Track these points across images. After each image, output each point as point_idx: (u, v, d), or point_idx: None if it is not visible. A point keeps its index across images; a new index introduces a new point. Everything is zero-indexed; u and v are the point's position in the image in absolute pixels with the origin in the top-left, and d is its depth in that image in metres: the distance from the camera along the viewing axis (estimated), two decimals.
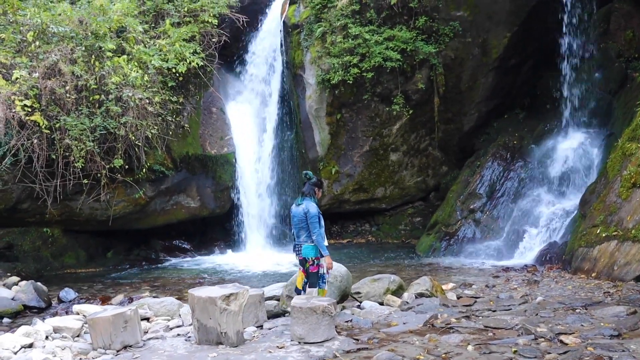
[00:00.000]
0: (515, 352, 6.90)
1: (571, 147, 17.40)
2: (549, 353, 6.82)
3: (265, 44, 19.70)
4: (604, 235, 12.49)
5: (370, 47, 17.56)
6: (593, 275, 11.99)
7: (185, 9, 17.16)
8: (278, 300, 9.37)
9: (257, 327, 8.42)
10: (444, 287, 11.22)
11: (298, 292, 8.67)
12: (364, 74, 17.57)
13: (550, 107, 18.87)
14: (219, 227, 19.04)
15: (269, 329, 8.29)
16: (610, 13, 17.61)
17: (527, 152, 17.99)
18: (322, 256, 8.52)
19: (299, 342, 7.43)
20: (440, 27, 18.04)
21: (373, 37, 17.67)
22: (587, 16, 18.19)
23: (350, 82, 17.72)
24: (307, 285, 8.63)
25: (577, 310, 8.95)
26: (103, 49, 14.32)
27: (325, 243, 8.63)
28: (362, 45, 17.62)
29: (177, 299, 10.35)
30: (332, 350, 7.17)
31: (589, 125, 17.83)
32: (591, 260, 12.38)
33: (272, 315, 9.04)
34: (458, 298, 10.33)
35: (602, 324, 8.04)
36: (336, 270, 9.07)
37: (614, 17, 17.51)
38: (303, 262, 8.67)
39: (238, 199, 18.56)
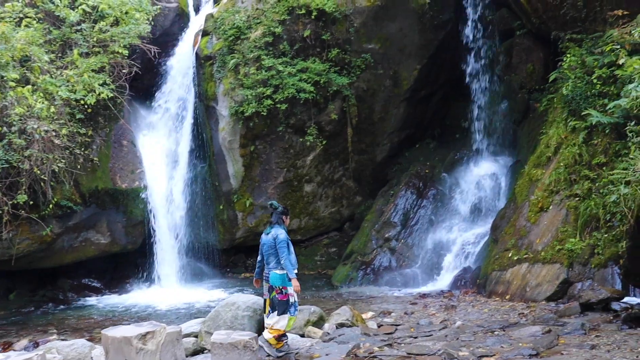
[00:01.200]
0: None
1: (480, 175, 17.92)
2: None
3: (178, 75, 19.40)
4: (515, 258, 12.87)
5: (283, 79, 17.60)
6: (507, 297, 12.29)
7: (94, 39, 16.68)
8: (196, 337, 9.05)
9: None
10: (363, 316, 11.19)
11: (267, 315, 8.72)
12: (278, 106, 17.55)
13: (459, 136, 19.43)
14: (131, 264, 18.35)
15: None
16: (512, 47, 18.37)
17: (439, 181, 18.39)
18: (289, 280, 8.63)
19: None
20: (353, 59, 18.32)
21: (286, 69, 17.73)
22: (491, 50, 18.94)
23: (264, 113, 17.64)
24: (275, 313, 8.60)
25: (496, 332, 9.12)
26: (5, 78, 13.69)
27: (295, 270, 8.77)
28: (276, 77, 17.63)
29: (89, 340, 9.82)
30: None
31: (496, 153, 18.44)
32: (504, 283, 12.70)
33: (191, 353, 8.72)
34: (379, 326, 10.32)
35: (520, 344, 8.20)
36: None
37: (516, 51, 18.26)
38: (270, 289, 8.74)
39: (151, 234, 18.01)
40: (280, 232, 8.86)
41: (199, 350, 8.77)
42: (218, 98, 18.50)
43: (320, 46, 18.34)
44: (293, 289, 8.69)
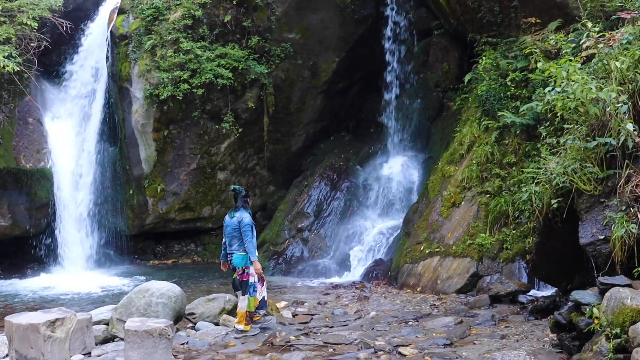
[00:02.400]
0: None
1: (394, 169, 18.18)
2: None
3: (91, 53, 18.69)
4: (427, 251, 13.17)
5: (201, 64, 17.26)
6: (418, 289, 12.57)
7: (0, 8, 15.77)
8: (107, 324, 8.73)
9: (84, 354, 7.74)
10: (277, 305, 11.16)
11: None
12: (194, 91, 17.18)
13: (374, 130, 19.65)
14: (34, 248, 17.58)
15: (98, 356, 7.68)
16: (429, 46, 18.75)
17: (353, 173, 18.55)
18: (251, 263, 8.96)
19: None
20: (272, 47, 18.19)
21: (205, 54, 17.39)
22: (409, 48, 19.26)
23: (180, 98, 17.23)
24: (239, 293, 9.00)
25: (410, 323, 9.30)
26: None
27: (257, 253, 9.12)
28: (194, 61, 17.26)
29: None
30: None
31: (409, 149, 18.76)
32: (416, 276, 12.97)
33: (102, 341, 8.41)
34: (294, 316, 10.31)
35: (434, 334, 8.41)
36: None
37: (433, 50, 18.65)
38: (233, 270, 9.07)
39: (56, 217, 17.30)
40: (245, 216, 9.05)
41: (110, 338, 8.47)
42: (132, 79, 17.91)
43: (240, 33, 18.10)
44: (255, 271, 8.99)
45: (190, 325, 9.44)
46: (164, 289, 8.61)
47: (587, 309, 6.28)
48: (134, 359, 6.90)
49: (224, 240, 9.38)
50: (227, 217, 9.28)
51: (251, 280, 9.00)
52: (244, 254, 8.99)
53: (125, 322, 7.56)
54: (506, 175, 12.88)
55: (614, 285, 6.19)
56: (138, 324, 7.05)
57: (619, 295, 5.90)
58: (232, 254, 9.09)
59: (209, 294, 10.98)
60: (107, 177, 18.76)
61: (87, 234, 18.05)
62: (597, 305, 6.21)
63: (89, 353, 7.81)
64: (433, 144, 17.96)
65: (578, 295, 6.58)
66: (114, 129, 18.96)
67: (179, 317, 8.95)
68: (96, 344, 8.26)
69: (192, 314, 9.51)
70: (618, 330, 5.71)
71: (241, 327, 8.89)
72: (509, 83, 13.21)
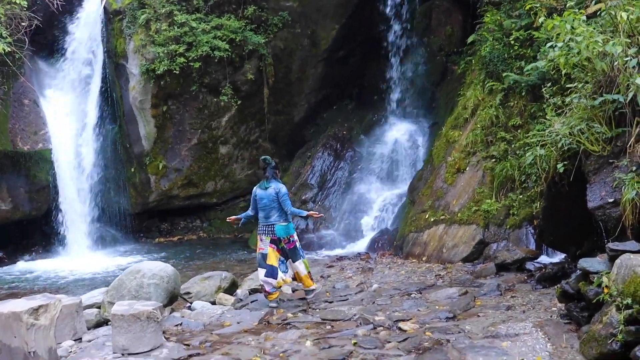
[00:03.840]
0: (355, 344, 6.65)
1: (398, 137, 17.83)
2: (389, 342, 6.66)
3: (84, 30, 18.18)
4: (432, 219, 12.79)
5: (197, 36, 16.86)
6: (424, 259, 12.22)
7: None
8: (99, 308, 8.46)
9: (75, 340, 7.47)
10: None
11: (273, 269, 8.98)
12: (191, 64, 16.82)
13: (377, 98, 19.29)
14: (37, 231, 17.37)
15: (89, 341, 7.39)
16: (432, 9, 18.24)
17: (357, 142, 18.20)
18: (294, 231, 9.24)
19: (122, 354, 6.62)
20: (270, 17, 17.77)
21: (200, 26, 16.98)
22: (411, 12, 18.72)
23: (177, 72, 16.87)
24: (289, 262, 9.14)
25: (413, 295, 8.96)
26: None
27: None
28: (189, 34, 16.87)
29: None
30: (160, 359, 6.51)
31: (414, 115, 18.39)
32: (421, 245, 12.62)
33: (94, 325, 8.14)
34: (293, 291, 10.00)
35: (437, 307, 8.05)
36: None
37: (435, 14, 18.15)
38: (277, 241, 9.06)
39: (57, 199, 17.05)
40: (281, 187, 9.12)
41: (102, 322, 8.18)
42: (128, 55, 17.57)
43: (236, 2, 17.67)
44: (315, 216, 9.54)
45: (186, 305, 9.17)
46: (156, 269, 8.29)
47: (596, 278, 5.89)
48: (122, 344, 6.61)
49: (249, 213, 9.36)
50: (257, 190, 9.19)
51: (298, 245, 9.22)
52: (285, 224, 9.08)
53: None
54: (512, 138, 12.44)
55: (624, 251, 5.76)
56: (125, 307, 6.75)
57: (630, 263, 5.49)
58: (272, 226, 9.05)
59: (214, 270, 10.76)
60: (108, 156, 18.50)
61: (89, 214, 17.82)
62: (607, 273, 5.80)
63: (80, 339, 7.54)
64: (438, 110, 17.59)
65: (586, 263, 6.17)
66: (112, 107, 18.66)
67: (174, 297, 8.65)
68: (89, 329, 8.00)
69: (188, 293, 9.24)
70: (629, 300, 5.30)
71: (312, 286, 9.23)
72: (512, 42, 12.69)
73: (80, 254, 16.75)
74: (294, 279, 9.32)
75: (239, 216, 9.65)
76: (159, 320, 6.77)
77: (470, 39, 15.20)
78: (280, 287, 9.26)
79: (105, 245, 17.64)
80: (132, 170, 18.31)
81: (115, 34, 17.73)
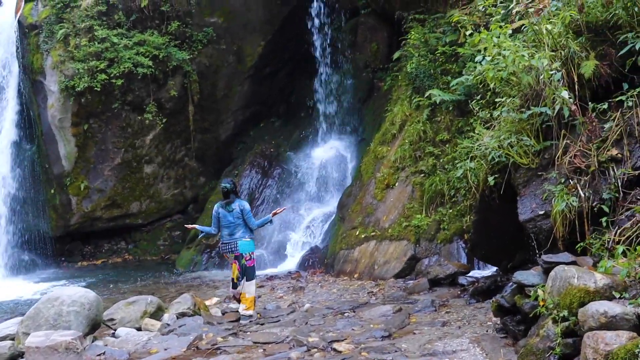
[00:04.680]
0: None
1: (326, 153, 17.74)
2: None
3: None
4: (363, 236, 12.69)
5: (119, 52, 16.39)
6: (356, 276, 12.07)
7: None
8: (13, 340, 7.85)
9: None
10: (207, 302, 10.49)
11: (234, 284, 9.37)
12: (113, 81, 16.35)
13: (305, 114, 19.20)
14: None
15: None
16: (357, 26, 18.31)
17: (285, 160, 18.02)
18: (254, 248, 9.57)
19: None
20: (194, 33, 17.49)
21: (122, 41, 16.51)
22: (336, 28, 18.75)
23: (98, 89, 16.34)
24: (245, 279, 9.26)
25: (346, 314, 8.76)
26: None
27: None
28: (110, 50, 16.39)
29: None
30: None
31: (342, 131, 18.36)
32: (352, 262, 12.49)
33: (8, 359, 7.57)
34: (223, 314, 9.65)
35: (372, 325, 7.86)
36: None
37: (361, 30, 18.22)
38: (239, 257, 9.27)
39: None
40: (245, 204, 9.47)
41: (17, 355, 7.56)
42: (46, 72, 16.91)
43: (159, 18, 17.27)
44: (279, 212, 10.05)
45: (110, 332, 8.68)
46: (76, 295, 7.78)
47: (532, 291, 5.83)
48: None
49: (212, 231, 9.63)
50: (220, 210, 9.39)
51: (254, 264, 9.48)
52: (249, 240, 9.37)
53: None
54: (440, 153, 12.50)
55: (558, 263, 5.73)
56: (41, 338, 6.29)
57: (564, 275, 5.45)
58: (235, 242, 9.28)
59: (140, 295, 10.30)
60: (26, 177, 17.75)
61: (4, 238, 16.94)
62: (542, 286, 5.77)
63: None
64: (365, 126, 17.61)
65: (521, 276, 6.11)
66: (30, 126, 17.84)
67: (96, 325, 8.14)
68: None
69: (112, 319, 8.72)
70: (566, 312, 5.25)
71: (250, 312, 9.21)
72: (438, 57, 12.81)
73: None
74: (237, 300, 9.52)
75: (199, 227, 10.04)
76: (79, 351, 6.34)
77: (395, 55, 15.31)
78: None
79: (22, 271, 16.85)
80: (52, 191, 17.54)
81: (32, 49, 17.05)
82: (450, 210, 11.54)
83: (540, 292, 5.70)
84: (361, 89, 18.34)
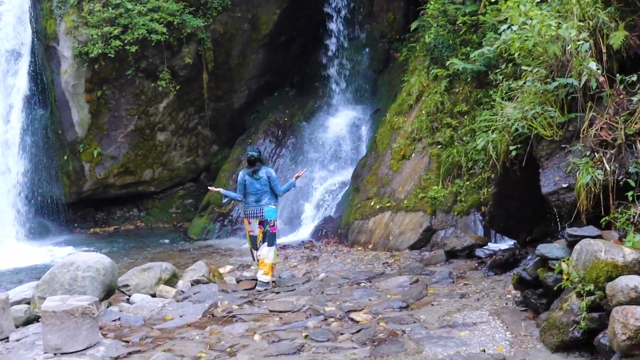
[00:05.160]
0: (306, 336, 6.32)
1: (340, 124, 17.58)
2: (342, 334, 6.35)
3: (11, 9, 17.27)
4: (378, 207, 12.59)
5: (133, 18, 16.18)
6: (370, 247, 12.01)
7: None
8: (29, 304, 7.85)
9: (1, 340, 6.89)
10: (221, 270, 10.45)
11: (257, 248, 9.44)
12: (127, 48, 16.14)
13: (319, 84, 19.02)
14: None
15: (17, 340, 6.79)
16: None
17: (298, 129, 17.89)
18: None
19: (55, 354, 6.10)
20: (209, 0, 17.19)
21: (136, 7, 16.29)
22: None
23: (112, 55, 16.15)
24: (266, 244, 9.33)
25: (362, 284, 8.69)
26: None
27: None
28: (124, 16, 16.18)
29: None
30: (97, 358, 6.03)
31: (356, 102, 18.20)
32: (367, 233, 12.41)
33: (23, 323, 7.51)
34: (238, 282, 9.62)
35: (389, 296, 7.79)
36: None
37: (377, 0, 17.93)
38: (264, 223, 9.37)
39: None
40: (271, 171, 9.62)
41: (33, 319, 7.56)
42: (59, 37, 16.69)
43: None
44: (301, 175, 10.08)
45: (125, 298, 8.67)
46: (91, 261, 7.73)
47: (556, 264, 5.72)
48: (54, 343, 6.08)
49: (237, 197, 9.63)
50: (247, 178, 9.42)
51: (276, 232, 9.64)
52: (274, 207, 9.51)
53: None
54: (457, 124, 12.33)
55: (583, 236, 5.61)
56: (58, 303, 6.24)
57: (590, 248, 5.33)
58: (261, 208, 9.35)
59: (153, 261, 10.28)
60: (39, 143, 17.68)
61: (18, 204, 16.98)
62: (566, 259, 5.65)
63: (7, 338, 6.93)
64: (380, 97, 17.43)
65: (544, 249, 5.99)
66: (43, 92, 17.75)
67: (111, 291, 8.12)
68: (17, 326, 7.40)
69: (127, 285, 8.70)
70: (592, 286, 5.14)
71: (267, 278, 9.22)
72: (458, 27, 12.55)
73: (8, 245, 15.90)
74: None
75: (225, 192, 10.08)
76: (95, 316, 6.29)
77: (413, 26, 15.07)
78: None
79: (36, 236, 16.86)
80: (65, 158, 17.50)
81: (45, 14, 16.85)
82: (468, 182, 11.42)
83: (564, 265, 5.59)
84: (376, 60, 18.13)
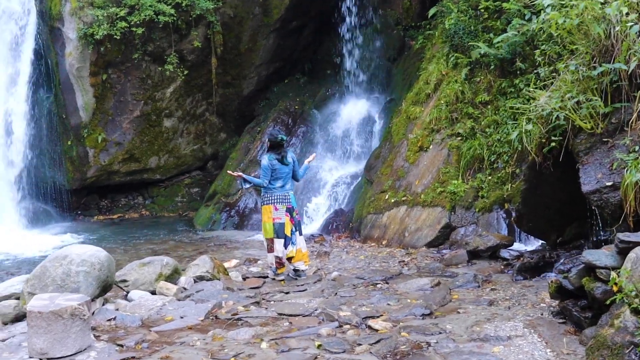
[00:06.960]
0: (319, 346, 5.68)
1: (353, 113, 16.96)
2: (359, 344, 5.69)
3: None
4: (392, 200, 11.95)
5: None
6: (384, 242, 11.38)
7: None
8: (18, 299, 7.26)
9: None
10: (226, 265, 9.86)
11: (287, 240, 8.86)
12: (134, 29, 15.60)
13: (331, 72, 18.46)
14: None
15: (3, 340, 6.19)
16: None
17: (309, 118, 17.30)
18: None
19: (40, 359, 5.54)
20: None
21: None
22: None
23: (118, 37, 15.60)
24: (298, 234, 8.98)
25: (379, 286, 8.04)
26: None
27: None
28: None
29: None
30: None
31: (369, 91, 17.60)
32: (381, 227, 11.78)
33: (11, 320, 6.92)
34: (244, 279, 9.00)
35: (409, 300, 7.11)
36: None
37: None
38: (291, 210, 8.96)
39: None
40: (294, 155, 9.29)
41: (22, 316, 6.93)
42: (64, 18, 16.14)
43: None
44: (311, 160, 9.56)
45: (122, 294, 8.07)
46: (86, 254, 7.11)
47: (606, 274, 5.06)
48: (40, 347, 5.46)
49: (261, 183, 8.91)
50: (277, 164, 8.84)
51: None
52: (294, 194, 9.18)
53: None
54: (479, 115, 11.66)
55: (638, 243, 4.96)
56: (45, 302, 5.64)
57: None
58: (288, 194, 8.96)
59: (155, 254, 9.72)
60: (42, 127, 17.22)
61: (20, 189, 16.52)
62: (617, 268, 5.00)
63: None
64: (395, 86, 16.81)
65: (591, 255, 5.30)
66: (47, 74, 17.22)
67: (108, 287, 7.50)
68: (5, 323, 6.84)
69: (124, 281, 8.09)
70: None
71: (307, 267, 9.08)
72: (481, 12, 11.87)
73: (9, 231, 15.40)
74: (281, 263, 8.98)
75: (247, 177, 9.26)
76: (86, 318, 5.68)
77: (431, 12, 14.45)
78: (290, 258, 8.97)
79: (38, 223, 16.48)
80: (69, 143, 16.98)
81: None
82: (490, 177, 10.74)
83: (614, 275, 4.92)
84: (391, 47, 17.52)
